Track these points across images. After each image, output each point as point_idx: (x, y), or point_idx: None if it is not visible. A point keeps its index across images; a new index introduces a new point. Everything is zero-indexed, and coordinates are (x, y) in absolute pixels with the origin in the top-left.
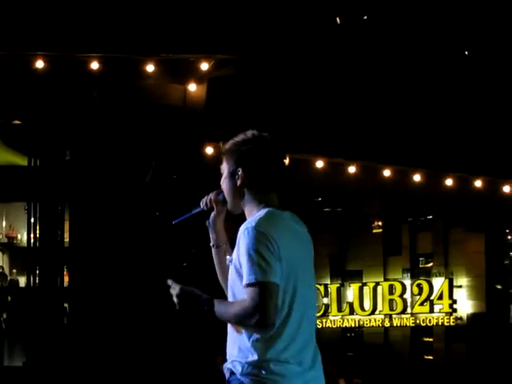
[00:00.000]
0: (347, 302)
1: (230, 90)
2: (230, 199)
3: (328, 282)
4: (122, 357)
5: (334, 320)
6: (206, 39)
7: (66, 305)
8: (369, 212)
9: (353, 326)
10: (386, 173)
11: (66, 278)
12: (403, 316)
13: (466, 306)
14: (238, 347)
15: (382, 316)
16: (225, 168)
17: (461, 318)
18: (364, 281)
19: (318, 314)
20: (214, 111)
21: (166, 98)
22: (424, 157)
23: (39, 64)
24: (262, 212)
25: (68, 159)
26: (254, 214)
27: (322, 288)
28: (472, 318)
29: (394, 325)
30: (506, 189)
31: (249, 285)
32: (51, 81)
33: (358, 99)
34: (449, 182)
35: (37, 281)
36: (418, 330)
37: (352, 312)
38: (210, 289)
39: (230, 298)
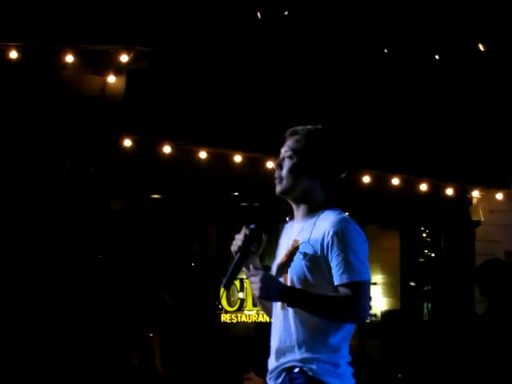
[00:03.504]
0: None
1: (149, 83)
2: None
3: (244, 276)
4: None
5: (249, 315)
6: (125, 30)
7: None
8: (285, 208)
9: (268, 321)
10: None
11: None
12: None
13: (380, 303)
14: (306, 343)
15: None
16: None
17: (375, 315)
18: None
19: (233, 309)
20: (132, 103)
21: (85, 89)
22: None
23: None
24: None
25: None
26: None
27: (237, 283)
28: (386, 315)
29: None
30: (423, 187)
31: (353, 282)
32: None
33: (262, 91)
34: (366, 179)
35: None
36: None
37: None
38: (126, 280)
39: None
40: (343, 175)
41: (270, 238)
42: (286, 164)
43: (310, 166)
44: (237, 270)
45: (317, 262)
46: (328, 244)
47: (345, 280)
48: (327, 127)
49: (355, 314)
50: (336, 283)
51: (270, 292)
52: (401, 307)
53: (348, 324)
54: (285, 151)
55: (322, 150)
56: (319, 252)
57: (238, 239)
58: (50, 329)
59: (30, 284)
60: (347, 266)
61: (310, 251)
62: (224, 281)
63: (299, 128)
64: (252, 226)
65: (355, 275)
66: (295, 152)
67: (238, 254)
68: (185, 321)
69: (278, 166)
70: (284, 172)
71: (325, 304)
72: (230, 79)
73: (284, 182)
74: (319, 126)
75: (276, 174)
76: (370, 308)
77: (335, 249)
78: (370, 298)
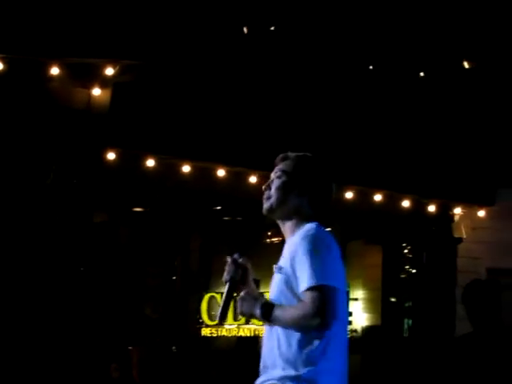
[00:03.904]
0: None
1: (134, 96)
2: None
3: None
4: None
5: (230, 329)
6: (111, 44)
7: None
8: (267, 223)
9: (248, 335)
10: None
11: None
12: None
13: (361, 318)
14: (286, 359)
15: None
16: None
17: (356, 331)
18: (261, 290)
19: (214, 323)
20: (117, 117)
21: (70, 101)
22: None
23: None
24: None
25: None
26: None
27: (218, 296)
28: (367, 330)
29: None
30: (405, 203)
31: (311, 288)
32: None
33: (247, 106)
34: (349, 194)
35: None
36: None
37: (248, 321)
38: (107, 293)
39: None
40: (333, 195)
41: (252, 252)
42: (275, 183)
43: (298, 184)
44: (228, 300)
45: (291, 275)
46: (295, 255)
47: (305, 286)
48: (316, 155)
49: (312, 319)
50: (299, 291)
51: (246, 309)
52: (382, 323)
53: (325, 337)
54: (274, 173)
55: (310, 172)
56: (290, 265)
57: (225, 270)
58: (30, 341)
59: (10, 295)
60: (308, 272)
61: (284, 266)
62: (218, 314)
63: (289, 154)
64: (235, 256)
65: (315, 280)
66: (284, 172)
67: (227, 285)
68: (165, 334)
69: (267, 187)
70: (273, 189)
71: (289, 313)
72: (215, 94)
73: (272, 198)
74: (308, 154)
75: (265, 195)
76: (332, 316)
77: (298, 258)
78: (334, 307)
